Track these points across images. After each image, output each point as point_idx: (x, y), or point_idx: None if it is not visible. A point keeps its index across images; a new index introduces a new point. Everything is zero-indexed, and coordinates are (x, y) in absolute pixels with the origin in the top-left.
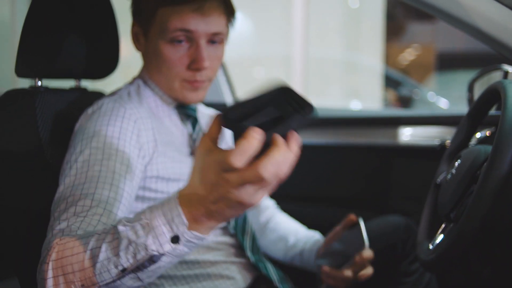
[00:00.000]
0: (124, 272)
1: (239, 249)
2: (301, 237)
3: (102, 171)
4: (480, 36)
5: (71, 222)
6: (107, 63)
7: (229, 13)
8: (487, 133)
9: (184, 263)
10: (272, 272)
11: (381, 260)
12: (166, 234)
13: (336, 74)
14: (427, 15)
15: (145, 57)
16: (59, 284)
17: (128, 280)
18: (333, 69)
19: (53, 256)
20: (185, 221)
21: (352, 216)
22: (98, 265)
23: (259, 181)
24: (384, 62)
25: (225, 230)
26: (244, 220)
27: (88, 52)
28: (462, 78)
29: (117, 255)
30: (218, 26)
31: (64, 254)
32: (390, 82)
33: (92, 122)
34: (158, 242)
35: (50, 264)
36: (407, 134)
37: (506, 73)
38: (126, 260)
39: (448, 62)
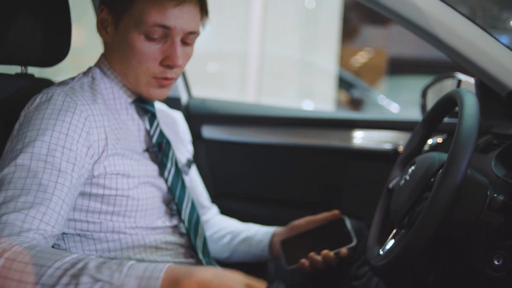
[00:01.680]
0: None
1: (188, 249)
2: (241, 228)
3: (46, 168)
4: (437, 43)
5: (12, 218)
6: (57, 50)
7: (204, 13)
8: (439, 140)
9: None
10: None
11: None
12: None
13: (291, 73)
14: (381, 19)
15: (110, 46)
16: None
17: None
18: (288, 69)
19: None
20: None
21: (337, 212)
22: None
23: None
24: (338, 64)
25: (175, 229)
26: (197, 221)
27: (36, 38)
28: (412, 83)
29: None
30: (194, 25)
31: (13, 266)
32: (343, 84)
33: (40, 113)
34: None
35: None
36: (359, 137)
37: (459, 82)
38: None
39: (399, 67)
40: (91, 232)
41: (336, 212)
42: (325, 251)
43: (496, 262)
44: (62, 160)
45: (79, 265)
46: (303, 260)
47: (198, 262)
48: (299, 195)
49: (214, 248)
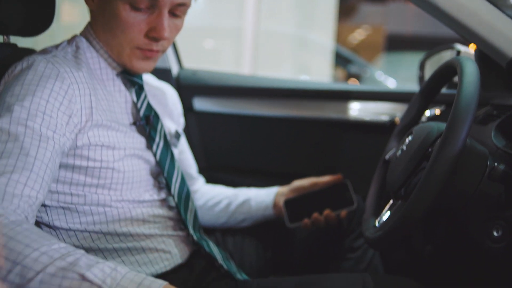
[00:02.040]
0: None
1: (178, 222)
2: (236, 192)
3: (27, 132)
4: (436, 13)
5: None
6: (40, 19)
7: None
8: (437, 111)
9: (115, 235)
10: (215, 250)
11: (326, 235)
12: None
13: (287, 49)
14: None
15: (95, 15)
16: None
17: None
18: (285, 45)
19: None
20: None
21: (341, 176)
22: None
23: None
24: (335, 40)
25: (163, 202)
26: (187, 195)
27: (19, 6)
28: (409, 59)
29: None
30: None
31: (11, 238)
32: (340, 60)
33: (20, 80)
34: None
35: None
36: (355, 109)
37: (458, 53)
38: None
39: (396, 43)
40: (75, 204)
41: (339, 176)
42: (327, 211)
43: (495, 233)
44: (42, 126)
45: (70, 259)
46: (306, 220)
47: (189, 236)
48: (293, 168)
49: (209, 215)
